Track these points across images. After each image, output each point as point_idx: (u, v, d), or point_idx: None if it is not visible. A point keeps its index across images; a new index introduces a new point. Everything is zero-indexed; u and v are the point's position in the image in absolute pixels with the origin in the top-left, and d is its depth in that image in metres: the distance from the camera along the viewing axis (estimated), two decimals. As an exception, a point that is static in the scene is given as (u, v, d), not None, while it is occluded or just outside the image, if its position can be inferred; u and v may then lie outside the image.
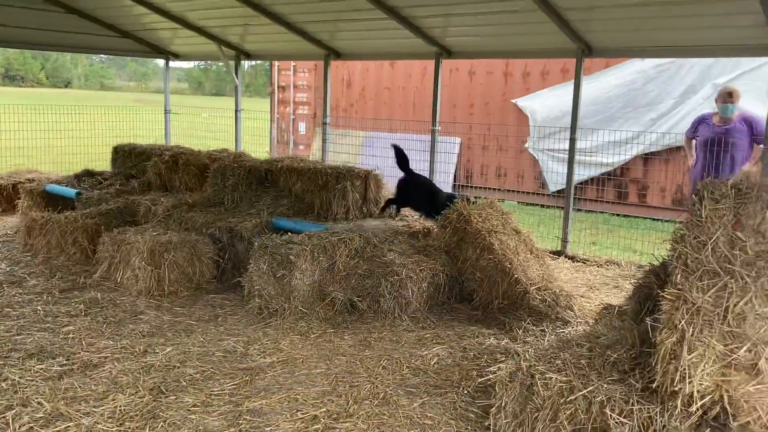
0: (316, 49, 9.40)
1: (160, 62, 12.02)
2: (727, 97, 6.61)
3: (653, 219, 10.57)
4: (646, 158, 11.13)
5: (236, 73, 10.77)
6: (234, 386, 4.06)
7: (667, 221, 9.96)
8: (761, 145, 6.38)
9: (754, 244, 2.99)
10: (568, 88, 11.16)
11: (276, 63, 15.97)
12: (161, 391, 3.94)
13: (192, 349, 4.61)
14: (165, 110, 11.90)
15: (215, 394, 3.95)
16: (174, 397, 3.87)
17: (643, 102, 11.04)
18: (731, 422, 2.83)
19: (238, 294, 5.81)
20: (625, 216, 10.97)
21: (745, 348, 2.83)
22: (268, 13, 8.41)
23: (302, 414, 3.73)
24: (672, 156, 10.81)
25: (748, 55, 7.37)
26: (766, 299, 2.88)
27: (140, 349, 4.55)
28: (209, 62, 67.31)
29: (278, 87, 16.20)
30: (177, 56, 11.79)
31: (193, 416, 3.66)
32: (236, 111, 10.93)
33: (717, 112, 6.85)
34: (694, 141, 7.07)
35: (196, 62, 69.41)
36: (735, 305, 2.89)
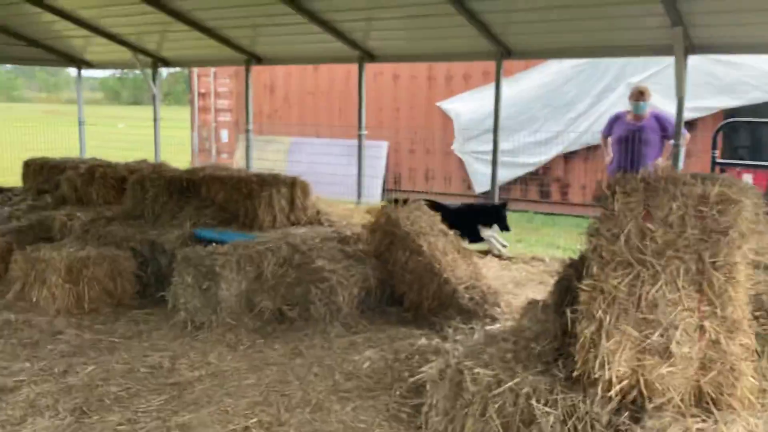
0: (236, 55, 9.28)
1: (73, 71, 11.60)
2: (638, 95, 6.90)
3: (575, 216, 10.91)
4: (567, 157, 11.48)
5: (154, 81, 10.51)
6: (161, 402, 3.95)
7: (589, 217, 10.31)
8: (671, 141, 6.70)
9: (662, 234, 3.12)
10: (490, 90, 11.41)
11: (195, 70, 15.65)
12: (83, 411, 3.79)
13: (115, 367, 4.45)
14: (79, 121, 11.49)
15: (142, 411, 3.83)
16: (98, 417, 3.74)
17: (562, 102, 11.41)
18: (647, 404, 2.96)
19: (162, 308, 5.65)
20: (548, 214, 11.29)
21: (657, 333, 2.95)
22: (186, 19, 8.25)
23: (233, 425, 3.66)
24: (591, 154, 11.20)
25: (654, 55, 7.71)
26: (674, 286, 3.01)
27: (60, 370, 4.37)
28: (125, 71, 65.42)
29: (198, 94, 15.87)
30: (90, 65, 11.41)
31: (117, 436, 3.54)
32: (155, 120, 10.66)
33: (630, 110, 7.14)
34: (609, 138, 7.35)
35: (112, 71, 67.27)
36: (647, 293, 3.02)
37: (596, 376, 3.01)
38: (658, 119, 6.94)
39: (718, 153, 7.48)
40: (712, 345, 2.90)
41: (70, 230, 6.71)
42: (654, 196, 3.21)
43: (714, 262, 2.98)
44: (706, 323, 2.92)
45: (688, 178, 3.27)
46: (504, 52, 7.40)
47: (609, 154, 7.36)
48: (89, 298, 5.55)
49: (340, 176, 10.47)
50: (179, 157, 12.53)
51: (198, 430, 3.62)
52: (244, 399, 4.00)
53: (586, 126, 10.95)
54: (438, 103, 12.69)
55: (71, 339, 4.97)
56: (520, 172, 11.57)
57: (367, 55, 8.55)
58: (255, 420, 3.72)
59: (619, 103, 10.49)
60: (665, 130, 6.80)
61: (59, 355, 4.65)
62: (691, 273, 3.02)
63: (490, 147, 9.99)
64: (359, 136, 8.85)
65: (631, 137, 6.89)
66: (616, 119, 7.25)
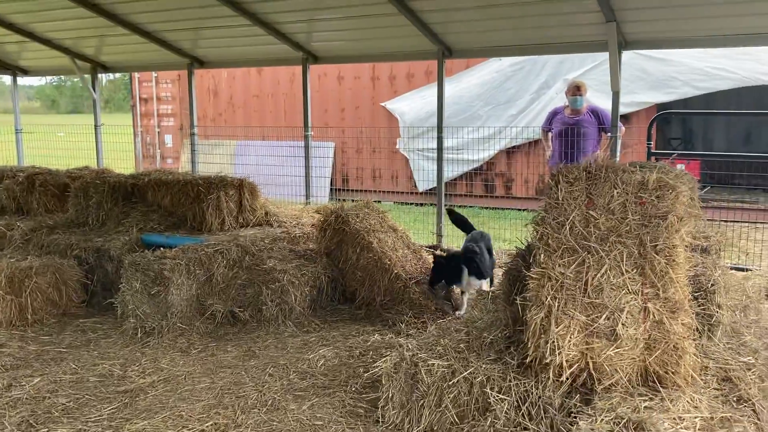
0: (178, 58, 9.12)
1: (7, 79, 11.19)
2: (575, 90, 7.09)
3: (519, 210, 11.14)
4: (509, 152, 11.71)
5: (93, 87, 10.24)
6: (113, 410, 3.87)
7: (532, 211, 10.53)
8: (608, 134, 6.91)
9: (605, 220, 3.24)
10: (433, 89, 11.54)
11: (136, 75, 15.32)
12: (30, 425, 3.69)
13: (63, 378, 4.34)
14: (16, 129, 11.10)
15: (92, 420, 3.75)
16: (46, 430, 3.64)
17: (503, 99, 11.63)
18: (597, 386, 3.06)
19: (110, 316, 5.53)
20: (493, 208, 11.48)
21: (604, 316, 3.06)
22: (125, 23, 8.06)
23: (188, 430, 3.62)
24: (533, 149, 11.45)
25: (590, 51, 7.92)
26: (619, 270, 3.13)
27: (4, 384, 4.23)
28: (63, 78, 63.50)
29: (140, 99, 15.54)
30: (26, 72, 11.03)
31: (68, 447, 3.46)
32: (95, 126, 10.38)
33: (568, 105, 7.33)
34: (550, 133, 7.53)
35: (49, 78, 65.21)
36: (593, 278, 3.13)
37: (547, 361, 3.10)
38: (595, 113, 7.14)
39: (653, 144, 7.73)
40: (656, 325, 3.02)
41: (10, 241, 6.49)
42: (596, 184, 3.33)
43: (655, 246, 3.11)
44: (650, 305, 3.04)
45: (628, 166, 3.40)
46: (445, 51, 7.49)
47: (549, 148, 7.54)
48: (33, 309, 5.39)
49: (287, 177, 10.42)
50: (123, 164, 12.23)
51: (152, 436, 3.56)
52: (198, 403, 3.96)
53: (527, 121, 11.20)
54: (383, 103, 12.76)
55: (15, 351, 4.82)
56: (465, 168, 11.74)
57: (311, 57, 8.52)
58: (210, 423, 3.69)
59: (557, 98, 10.77)
60: (602, 123, 7.01)
61: (2, 369, 4.49)
62: (633, 257, 3.14)
63: (434, 145, 10.12)
64: (305, 137, 8.81)
65: (569, 131, 7.07)
66: (554, 114, 7.43)
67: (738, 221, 7.54)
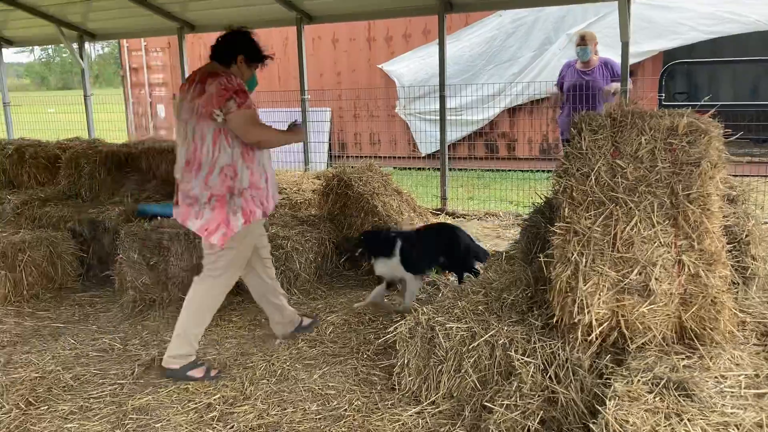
0: (167, 23, 8.80)
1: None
2: (580, 40, 6.78)
3: (523, 171, 10.91)
4: (512, 112, 11.43)
5: (81, 57, 9.91)
6: (115, 386, 3.69)
7: (537, 171, 10.30)
8: (617, 83, 6.63)
9: (633, 170, 3.02)
10: (432, 48, 11.23)
11: (125, 43, 14.91)
12: (30, 402, 3.51)
13: (62, 354, 4.16)
14: (3, 102, 10.79)
15: (94, 397, 3.57)
16: (47, 407, 3.46)
17: (505, 57, 11.30)
18: (629, 345, 2.88)
19: (108, 289, 5.34)
20: (497, 170, 11.25)
21: (635, 271, 2.86)
22: (111, -14, 7.75)
23: (195, 404, 3.45)
24: (536, 107, 11.17)
25: (596, 1, 7.62)
26: (649, 222, 2.92)
27: (1, 361, 4.05)
28: (51, 54, 62.55)
29: (130, 69, 15.15)
30: (11, 42, 10.70)
31: (70, 424, 3.28)
32: (85, 96, 10.09)
33: (578, 58, 7.03)
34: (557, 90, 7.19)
35: (38, 55, 64.24)
36: (622, 231, 2.92)
37: (575, 320, 2.91)
38: (608, 66, 6.85)
39: (664, 96, 7.47)
40: (691, 279, 2.83)
41: (1, 215, 6.27)
42: (622, 131, 3.11)
43: (688, 195, 2.90)
44: (684, 257, 2.84)
45: (656, 111, 3.17)
46: (447, 4, 7.20)
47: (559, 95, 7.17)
48: (28, 284, 5.19)
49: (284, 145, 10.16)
50: (115, 135, 11.93)
51: (157, 411, 3.39)
52: (204, 375, 3.78)
53: (529, 79, 10.89)
54: (380, 65, 12.42)
55: (11, 328, 4.63)
56: (467, 130, 11.46)
57: (305, 17, 8.21)
58: (218, 396, 3.52)
59: (560, 54, 10.46)
60: (615, 75, 6.73)
61: (-1, 346, 4.32)
62: (665, 207, 2.93)
63: (434, 107, 9.82)
64: (302, 101, 8.55)
65: (581, 85, 6.79)
66: (567, 67, 7.12)
67: (748, 175, 7.33)
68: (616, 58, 6.70)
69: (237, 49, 3.78)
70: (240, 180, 3.59)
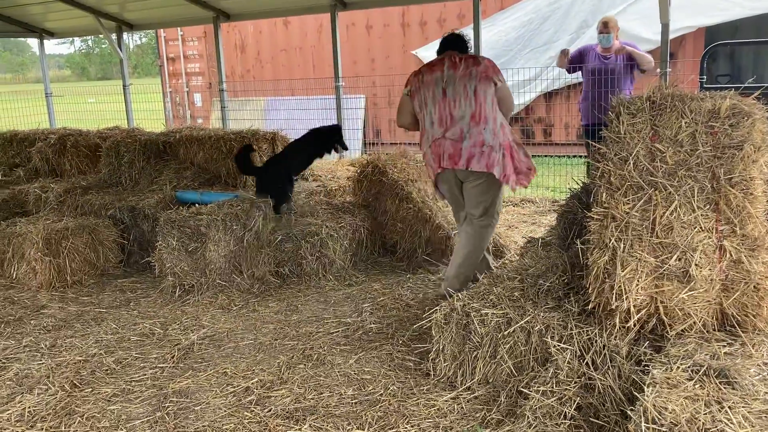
0: (202, 12, 8.86)
1: (34, 43, 11.06)
2: (602, 27, 6.61)
3: (560, 156, 10.77)
4: (548, 97, 11.27)
5: (119, 47, 10.06)
6: (156, 370, 3.78)
7: (573, 156, 10.16)
8: (643, 72, 6.45)
9: (673, 153, 2.96)
10: (467, 33, 11.12)
11: (162, 33, 15.09)
12: (75, 385, 3.61)
13: (105, 338, 4.27)
14: (46, 93, 11.03)
15: (136, 380, 3.66)
16: (90, 390, 3.56)
17: (541, 41, 11.13)
18: (668, 332, 2.83)
19: (148, 275, 5.45)
20: (533, 156, 11.11)
21: (675, 257, 2.81)
22: (147, -24, 7.83)
23: (233, 388, 3.51)
24: (573, 92, 10.99)
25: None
26: (689, 207, 2.87)
27: (47, 345, 4.17)
28: (91, 45, 63.73)
29: (167, 59, 15.34)
30: (52, 34, 10.89)
31: (113, 407, 3.37)
32: (124, 86, 10.25)
33: (601, 44, 6.86)
34: (568, 56, 6.88)
35: (77, 46, 65.52)
36: (661, 216, 2.87)
37: (613, 307, 2.87)
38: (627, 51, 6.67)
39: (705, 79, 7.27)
40: (733, 265, 2.77)
41: (45, 203, 6.43)
42: (661, 114, 3.04)
43: (730, 179, 2.83)
44: (726, 243, 2.78)
45: (696, 93, 3.09)
46: (482, -12, 7.12)
47: (567, 58, 6.89)
48: (71, 270, 5.32)
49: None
50: (153, 125, 12.14)
51: (196, 395, 3.46)
52: (242, 360, 3.85)
53: (567, 64, 10.70)
54: (414, 51, 12.35)
55: (56, 313, 4.76)
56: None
57: (340, 3, 8.20)
58: (255, 380, 3.57)
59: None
60: (634, 59, 6.55)
61: (45, 330, 4.44)
62: (706, 192, 2.87)
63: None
64: (336, 88, 8.55)
65: (602, 70, 6.64)
66: (587, 52, 6.92)
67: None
68: (655, 37, 6.51)
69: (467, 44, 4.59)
70: (509, 134, 4.29)
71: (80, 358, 3.95)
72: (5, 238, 5.47)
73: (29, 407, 3.36)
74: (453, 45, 4.52)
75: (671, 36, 9.75)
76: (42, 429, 3.17)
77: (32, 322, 4.60)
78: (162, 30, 14.85)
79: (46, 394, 3.50)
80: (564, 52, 6.64)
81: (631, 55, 6.37)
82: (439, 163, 4.34)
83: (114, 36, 10.02)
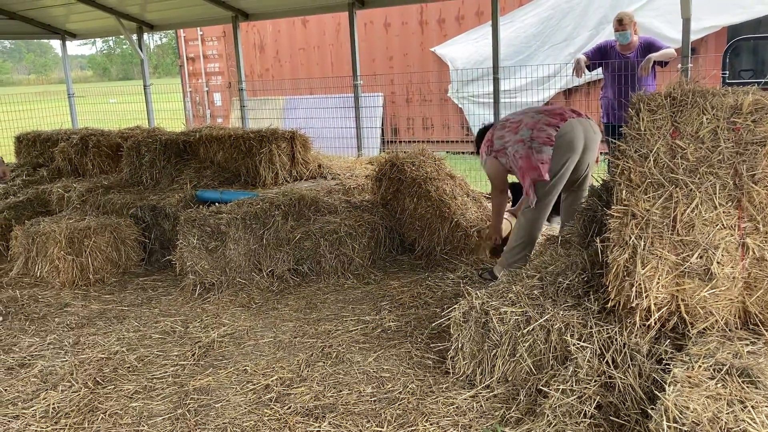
0: (222, 12, 8.93)
1: (56, 44, 11.22)
2: (617, 25, 6.48)
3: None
4: (568, 93, 11.20)
5: (140, 47, 10.17)
6: (177, 367, 3.82)
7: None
8: (663, 67, 6.33)
9: (694, 150, 2.93)
10: (485, 30, 11.10)
11: (182, 33, 15.22)
12: (98, 382, 3.66)
13: (127, 336, 4.32)
14: (68, 94, 11.17)
15: (157, 377, 3.70)
16: (113, 387, 3.61)
17: (560, 38, 11.06)
18: (689, 330, 2.81)
19: (169, 273, 5.51)
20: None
21: (696, 255, 2.78)
22: (167, -23, 7.90)
23: (253, 385, 3.53)
24: (593, 89, 10.91)
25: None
26: (711, 204, 2.83)
27: (70, 342, 4.23)
28: (112, 45, 64.40)
29: (187, 59, 15.47)
30: (74, 35, 11.03)
31: (135, 404, 3.41)
32: (145, 86, 10.36)
33: (619, 42, 6.76)
34: (585, 59, 6.78)
35: (99, 47, 66.27)
36: (682, 214, 2.84)
37: (633, 305, 2.85)
38: (647, 45, 6.57)
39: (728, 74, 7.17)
40: (756, 263, 2.73)
41: (68, 202, 6.52)
42: (682, 111, 3.01)
43: (753, 176, 2.80)
44: (749, 240, 2.74)
45: (718, 89, 3.06)
46: (500, -15, 7.08)
47: (584, 71, 6.80)
48: (94, 269, 5.40)
49: (337, 130, 10.20)
50: (173, 124, 12.25)
51: (217, 392, 3.49)
52: (262, 357, 3.87)
53: (587, 60, 10.61)
54: (432, 49, 12.33)
55: (79, 311, 4.83)
56: (522, 112, 11.29)
57: (358, 1, 8.21)
58: (275, 378, 3.59)
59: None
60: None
61: (68, 328, 4.51)
62: (728, 189, 2.83)
63: (487, 90, 9.66)
64: (355, 87, 8.56)
65: (623, 66, 6.54)
66: (608, 49, 6.80)
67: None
68: (677, 35, 6.43)
69: None
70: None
71: (103, 356, 4.00)
72: (29, 237, 5.55)
73: (53, 404, 3.41)
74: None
75: (695, 37, 9.67)
76: (66, 425, 3.22)
77: (56, 319, 4.67)
78: (182, 30, 14.98)
79: (69, 391, 3.55)
80: (579, 63, 6.53)
81: (655, 60, 6.24)
82: None
83: (135, 36, 10.13)
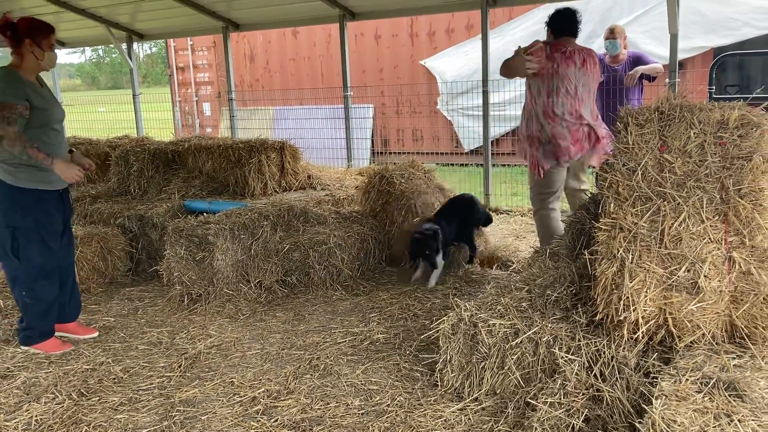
0: (212, 22, 8.95)
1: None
2: (609, 34, 6.56)
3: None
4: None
5: (129, 56, 10.15)
6: (163, 379, 3.78)
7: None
8: (651, 82, 6.39)
9: (681, 164, 2.95)
10: (475, 43, 11.14)
11: (172, 43, 15.21)
12: (82, 393, 3.62)
13: (113, 346, 4.28)
14: (57, 102, 11.13)
15: (143, 389, 3.66)
16: (97, 398, 3.56)
17: (549, 51, 11.11)
18: (677, 344, 2.81)
19: (156, 284, 5.47)
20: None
21: (684, 268, 2.80)
22: (158, -13, 7.91)
23: (240, 397, 3.50)
24: (580, 102, 10.96)
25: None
26: (698, 218, 2.85)
27: (54, 353, 4.18)
28: (101, 54, 64.21)
29: (177, 68, 15.45)
30: (63, 44, 11.02)
31: (120, 416, 3.37)
32: (134, 96, 10.34)
33: (607, 52, 6.83)
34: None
35: (88, 56, 66.06)
36: (670, 227, 2.86)
37: (621, 318, 2.86)
38: (634, 59, 6.63)
39: (714, 89, 7.25)
40: (743, 276, 2.75)
41: (54, 211, 6.46)
42: (670, 125, 3.03)
43: (739, 190, 2.82)
44: (735, 254, 2.76)
45: (705, 104, 3.09)
46: (490, -1, 7.14)
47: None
48: (80, 278, 5.33)
49: (327, 141, 10.22)
50: (162, 134, 12.23)
51: (203, 404, 3.46)
52: (249, 369, 3.84)
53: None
54: (422, 62, 12.38)
55: (64, 321, 4.77)
56: (511, 125, 11.33)
57: (348, 13, 8.25)
58: (262, 390, 3.56)
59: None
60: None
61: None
62: (714, 203, 2.85)
63: (477, 102, 9.71)
64: (345, 98, 8.59)
65: (611, 80, 6.59)
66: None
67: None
68: (665, 51, 6.50)
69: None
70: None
71: (87, 367, 3.96)
72: (15, 247, 5.49)
73: (36, 416, 3.37)
74: (570, 30, 5.09)
75: (683, 56, 9.79)
76: (49, 437, 3.17)
77: (41, 330, 4.61)
78: (172, 40, 14.97)
79: (53, 403, 3.51)
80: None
81: (642, 74, 6.30)
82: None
83: (124, 46, 10.12)
